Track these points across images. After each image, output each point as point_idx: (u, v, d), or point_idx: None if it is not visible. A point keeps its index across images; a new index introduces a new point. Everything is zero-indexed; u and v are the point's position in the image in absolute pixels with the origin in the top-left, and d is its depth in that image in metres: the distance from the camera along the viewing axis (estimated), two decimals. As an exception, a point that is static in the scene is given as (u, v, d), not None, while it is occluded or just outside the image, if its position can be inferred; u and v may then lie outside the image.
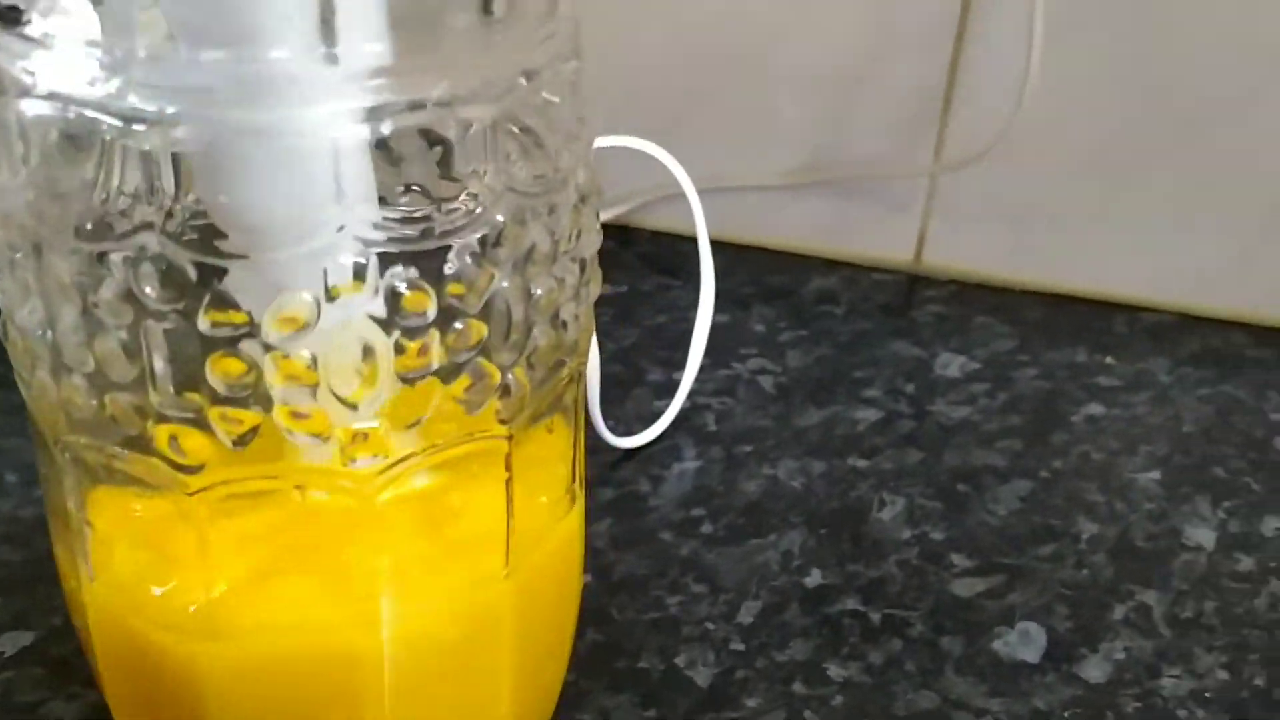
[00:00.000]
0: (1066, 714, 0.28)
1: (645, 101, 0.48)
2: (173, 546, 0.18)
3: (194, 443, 0.17)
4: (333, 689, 0.19)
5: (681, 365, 0.42)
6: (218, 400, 0.16)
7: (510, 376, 0.18)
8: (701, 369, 0.41)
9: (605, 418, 0.36)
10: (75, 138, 0.15)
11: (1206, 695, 0.29)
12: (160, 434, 0.17)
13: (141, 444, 0.17)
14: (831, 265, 0.49)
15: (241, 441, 0.17)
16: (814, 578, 0.33)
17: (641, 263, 0.49)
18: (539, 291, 0.19)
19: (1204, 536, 0.35)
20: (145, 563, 0.19)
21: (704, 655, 0.30)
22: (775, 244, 0.50)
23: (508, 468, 0.19)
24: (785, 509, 0.35)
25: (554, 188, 0.18)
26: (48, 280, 0.16)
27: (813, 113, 0.48)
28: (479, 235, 0.17)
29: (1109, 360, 0.44)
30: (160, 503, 0.18)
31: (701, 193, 0.40)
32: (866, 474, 0.37)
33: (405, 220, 0.16)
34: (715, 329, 0.41)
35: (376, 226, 0.15)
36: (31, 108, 0.15)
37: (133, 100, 0.14)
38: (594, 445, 0.37)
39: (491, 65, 0.16)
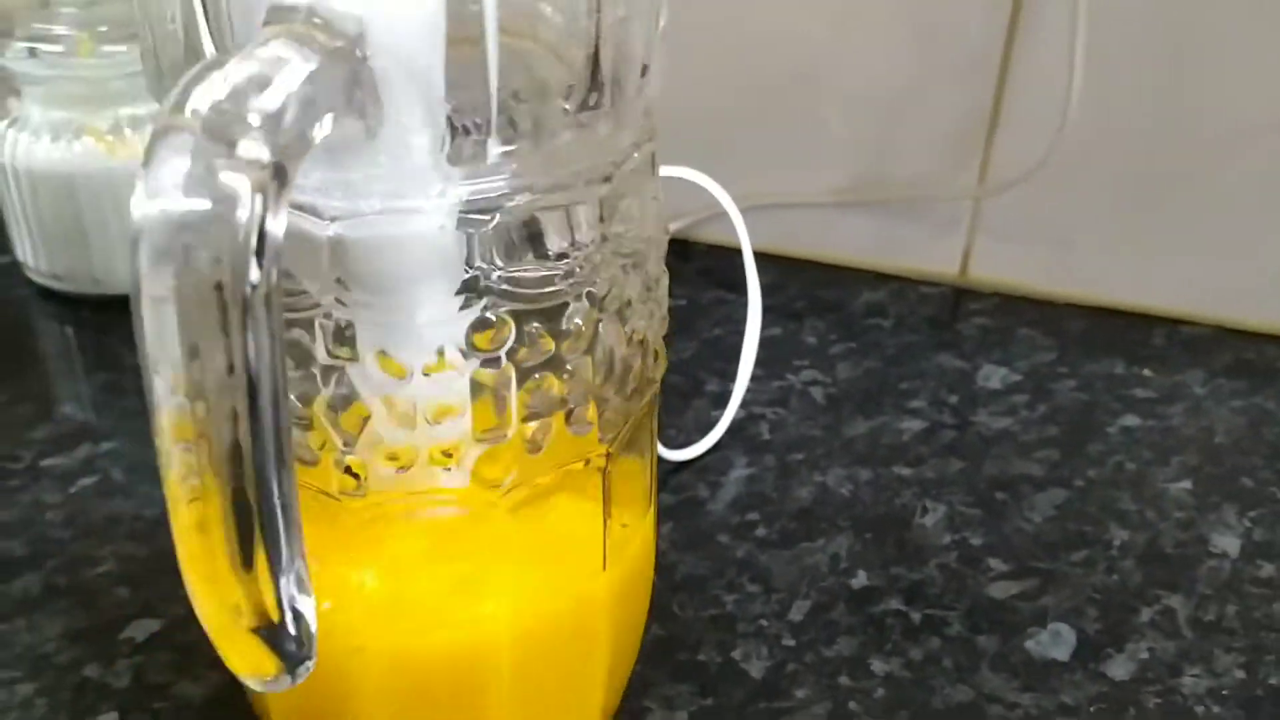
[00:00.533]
0: (1092, 709, 0.31)
1: (702, 121, 0.51)
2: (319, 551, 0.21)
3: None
4: (460, 682, 0.22)
5: (733, 377, 0.45)
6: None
7: (610, 405, 0.21)
8: (756, 380, 0.44)
9: (667, 427, 0.39)
10: None
11: (1224, 693, 0.31)
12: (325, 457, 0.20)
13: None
14: (881, 279, 0.52)
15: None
16: (860, 579, 0.35)
17: (700, 277, 0.52)
18: (634, 331, 0.22)
19: (1229, 544, 0.37)
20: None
21: (758, 649, 0.33)
22: (827, 258, 0.53)
23: (605, 481, 0.22)
24: (834, 514, 0.38)
25: (645, 245, 0.21)
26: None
27: (863, 134, 0.50)
28: (589, 290, 0.20)
29: (1146, 372, 0.46)
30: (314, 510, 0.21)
31: (756, 209, 0.43)
32: (910, 482, 0.39)
33: (534, 282, 0.19)
34: (769, 341, 0.44)
35: (507, 291, 0.18)
36: None
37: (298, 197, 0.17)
38: (656, 453, 0.40)
39: (593, 155, 0.19)
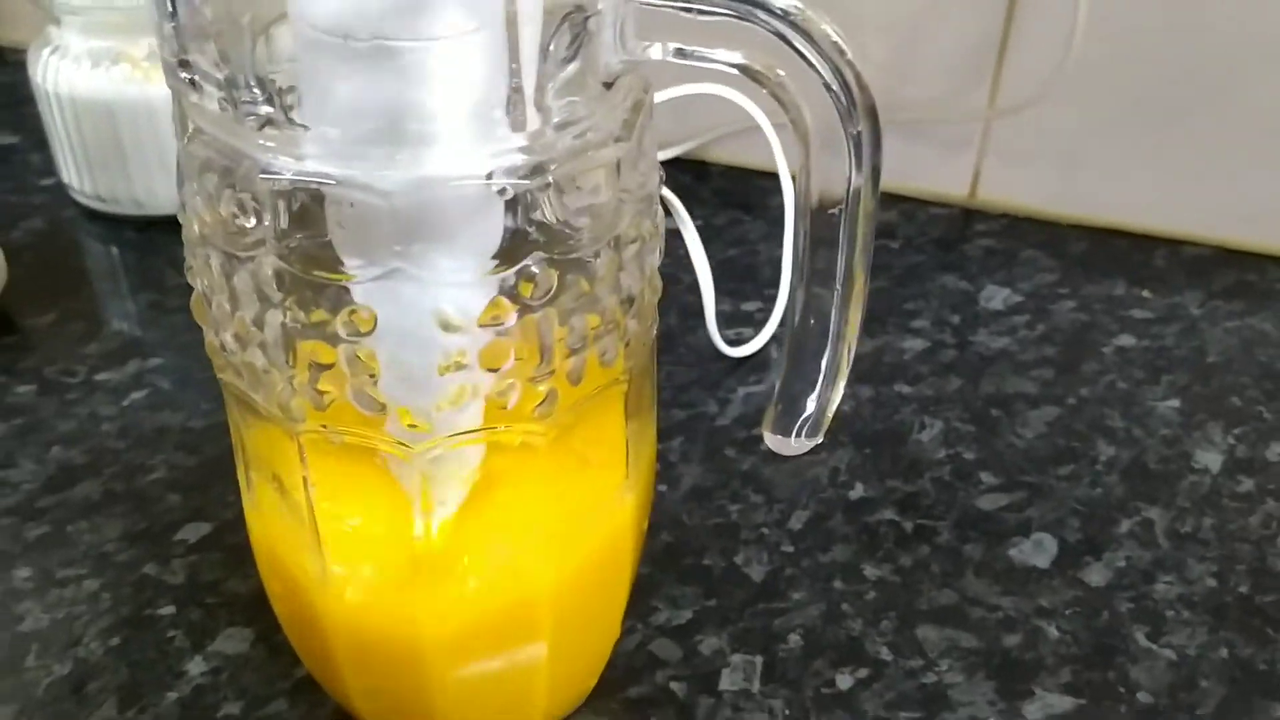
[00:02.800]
0: (1067, 611, 0.33)
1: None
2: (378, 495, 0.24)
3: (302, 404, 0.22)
4: (512, 607, 0.24)
5: (751, 296, 0.47)
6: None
7: (632, 334, 0.23)
8: (766, 300, 0.46)
9: (678, 347, 0.41)
10: (225, 176, 0.20)
11: (1194, 599, 0.34)
12: (280, 390, 0.22)
13: (263, 390, 0.22)
14: (892, 199, 0.53)
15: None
16: (857, 491, 0.38)
17: (715, 197, 0.54)
18: (647, 267, 0.24)
19: (1211, 460, 0.39)
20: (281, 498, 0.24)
21: (759, 555, 0.35)
22: (840, 179, 0.54)
23: (626, 402, 0.24)
24: (835, 429, 0.40)
25: (653, 191, 0.23)
26: (210, 263, 0.22)
27: (877, 58, 0.51)
28: (616, 235, 0.22)
29: (1145, 293, 0.47)
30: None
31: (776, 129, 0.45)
32: (910, 399, 0.42)
33: (571, 234, 0.21)
34: (780, 262, 0.45)
35: (549, 244, 0.20)
36: (202, 151, 0.20)
37: (326, 168, 0.19)
38: (669, 370, 0.42)
39: (615, 115, 0.21)
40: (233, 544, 0.35)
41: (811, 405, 0.25)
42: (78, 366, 0.43)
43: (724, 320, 0.45)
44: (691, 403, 0.41)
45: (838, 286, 0.23)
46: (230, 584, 0.34)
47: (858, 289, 0.23)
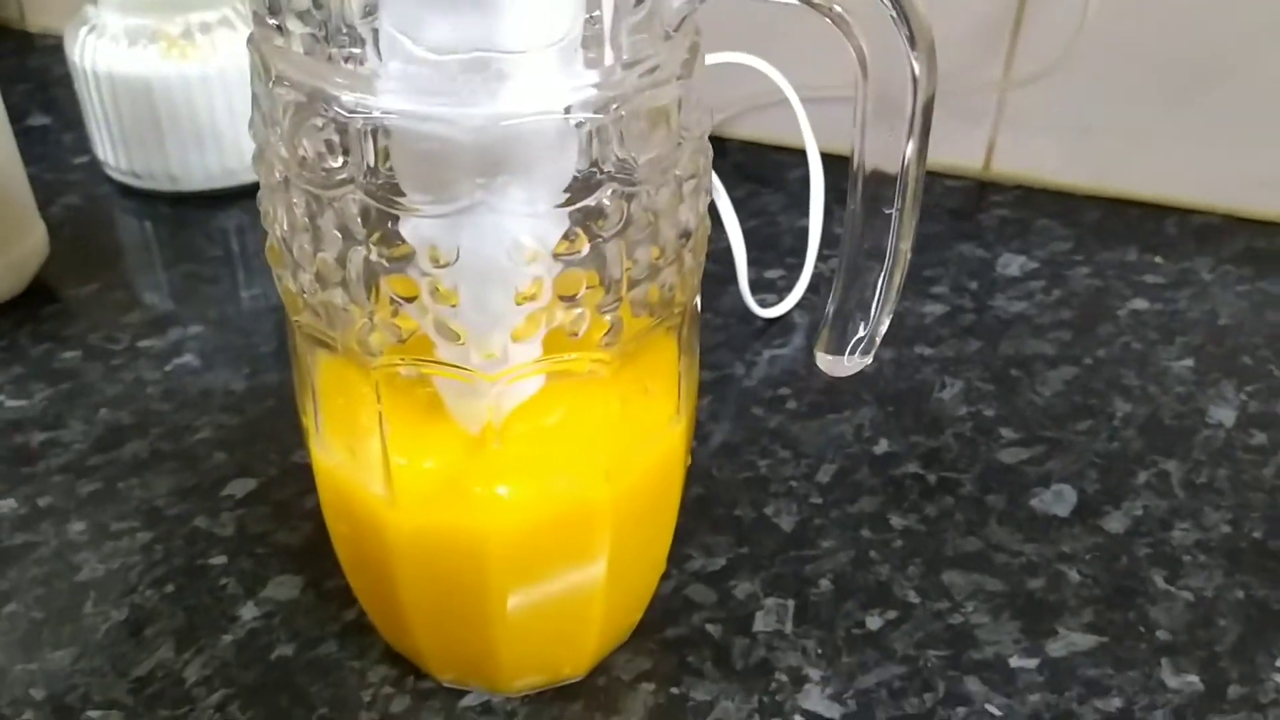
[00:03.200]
0: (1088, 556, 0.35)
1: (736, 16, 0.53)
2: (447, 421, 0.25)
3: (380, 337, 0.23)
4: (573, 526, 0.26)
5: (769, 265, 0.48)
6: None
7: (688, 267, 0.25)
8: (790, 268, 0.47)
9: (705, 310, 0.42)
10: (311, 117, 0.21)
11: (1210, 544, 0.35)
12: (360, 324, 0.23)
13: (341, 328, 0.23)
14: (908, 172, 0.54)
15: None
16: (881, 446, 0.39)
17: (734, 171, 0.55)
18: (699, 202, 0.24)
19: (1225, 415, 0.40)
20: (362, 431, 0.25)
21: (788, 506, 0.36)
22: (856, 152, 0.55)
23: (679, 336, 0.26)
24: (859, 389, 0.41)
25: (705, 131, 0.24)
26: (293, 207, 0.23)
27: (893, 32, 0.52)
28: (676, 171, 0.23)
29: (1157, 259, 0.48)
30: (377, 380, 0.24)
31: (784, 104, 0.46)
32: (931, 360, 0.43)
33: (639, 169, 0.22)
34: (801, 231, 0.47)
35: (620, 177, 0.21)
36: (287, 95, 0.21)
37: (410, 105, 0.20)
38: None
39: (676, 53, 0.22)
40: (279, 499, 0.36)
41: (863, 328, 0.26)
42: (120, 334, 0.44)
43: (750, 286, 0.46)
44: (719, 364, 0.42)
45: (897, 204, 0.24)
46: (278, 535, 0.35)
47: (912, 198, 0.24)
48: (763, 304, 0.45)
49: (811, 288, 0.46)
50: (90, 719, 0.29)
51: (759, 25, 0.53)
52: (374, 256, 0.21)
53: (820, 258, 0.46)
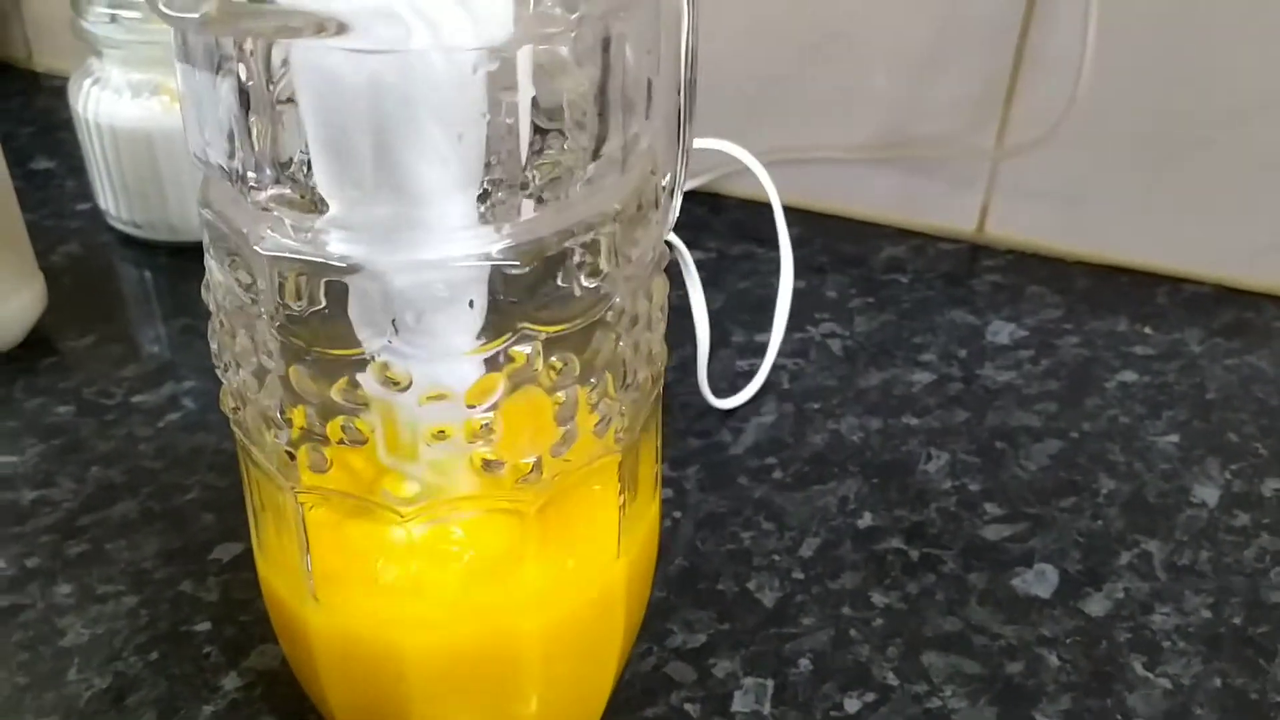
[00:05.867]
0: (1068, 640, 0.35)
1: (733, 85, 0.54)
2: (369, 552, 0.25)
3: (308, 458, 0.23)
4: (495, 665, 0.25)
5: (765, 328, 0.48)
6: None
7: (626, 407, 0.24)
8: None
9: (690, 378, 0.42)
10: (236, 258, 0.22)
11: (1190, 630, 0.35)
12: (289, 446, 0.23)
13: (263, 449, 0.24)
14: (902, 234, 0.55)
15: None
16: (865, 520, 0.39)
17: (730, 230, 0.55)
18: (643, 340, 0.24)
19: (1209, 494, 0.40)
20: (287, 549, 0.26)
21: (770, 581, 0.36)
22: (851, 213, 0.56)
23: (620, 473, 0.25)
24: (844, 460, 0.41)
25: (651, 264, 0.24)
26: (222, 327, 0.24)
27: (888, 95, 0.53)
28: (607, 314, 0.23)
29: (1147, 330, 0.49)
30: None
31: (785, 164, 0.46)
32: (917, 431, 0.43)
33: (557, 315, 0.22)
34: (794, 295, 0.47)
35: (536, 323, 0.21)
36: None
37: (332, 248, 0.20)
38: (686, 401, 0.43)
39: (606, 198, 0.22)
40: (265, 563, 0.36)
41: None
42: (115, 388, 0.44)
43: (737, 351, 0.47)
44: (706, 431, 0.43)
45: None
46: (262, 603, 0.35)
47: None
48: (750, 369, 0.45)
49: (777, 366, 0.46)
50: (69, 792, 0.30)
51: (750, 92, 0.54)
52: (287, 388, 0.22)
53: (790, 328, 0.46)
